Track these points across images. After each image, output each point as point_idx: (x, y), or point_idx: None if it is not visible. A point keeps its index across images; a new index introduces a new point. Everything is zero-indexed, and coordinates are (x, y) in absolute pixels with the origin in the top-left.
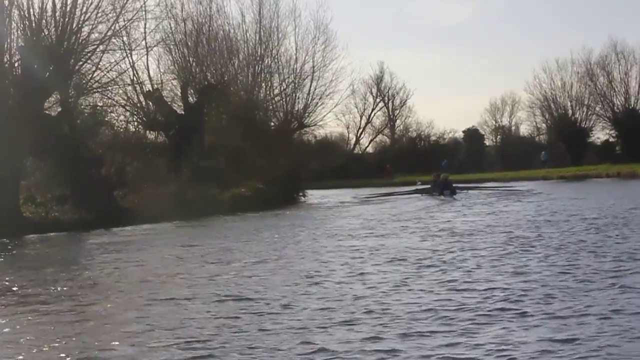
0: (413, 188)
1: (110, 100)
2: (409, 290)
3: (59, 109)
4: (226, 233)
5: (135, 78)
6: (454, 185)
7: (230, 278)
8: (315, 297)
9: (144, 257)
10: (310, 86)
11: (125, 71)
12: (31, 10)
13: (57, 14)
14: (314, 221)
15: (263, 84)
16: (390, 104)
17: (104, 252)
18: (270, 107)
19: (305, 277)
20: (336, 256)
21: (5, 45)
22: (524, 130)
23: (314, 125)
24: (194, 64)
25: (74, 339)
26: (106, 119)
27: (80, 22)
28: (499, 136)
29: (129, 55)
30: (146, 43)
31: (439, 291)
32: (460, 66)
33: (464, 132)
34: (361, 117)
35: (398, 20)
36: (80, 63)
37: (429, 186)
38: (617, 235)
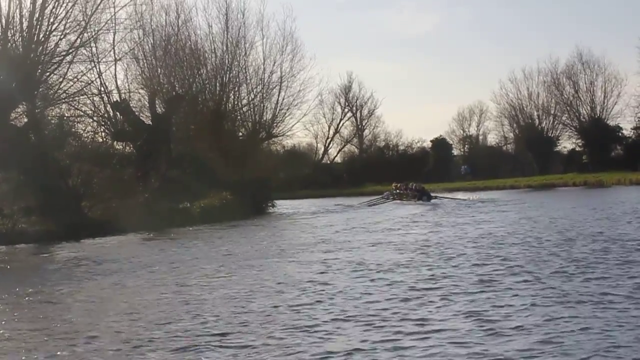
0: (382, 196)
1: (77, 111)
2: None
3: (26, 120)
4: (188, 247)
5: (102, 88)
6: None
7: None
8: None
9: (99, 277)
10: (279, 96)
11: (92, 81)
12: None
13: (24, 24)
14: (280, 233)
15: (231, 94)
16: (358, 113)
17: (59, 269)
18: (239, 117)
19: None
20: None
21: None
22: (492, 139)
23: (282, 135)
24: (161, 75)
25: None
26: (73, 130)
27: (48, 33)
28: (466, 145)
29: (96, 65)
30: (114, 54)
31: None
32: (428, 76)
33: (431, 141)
34: (329, 127)
35: (366, 30)
36: (48, 73)
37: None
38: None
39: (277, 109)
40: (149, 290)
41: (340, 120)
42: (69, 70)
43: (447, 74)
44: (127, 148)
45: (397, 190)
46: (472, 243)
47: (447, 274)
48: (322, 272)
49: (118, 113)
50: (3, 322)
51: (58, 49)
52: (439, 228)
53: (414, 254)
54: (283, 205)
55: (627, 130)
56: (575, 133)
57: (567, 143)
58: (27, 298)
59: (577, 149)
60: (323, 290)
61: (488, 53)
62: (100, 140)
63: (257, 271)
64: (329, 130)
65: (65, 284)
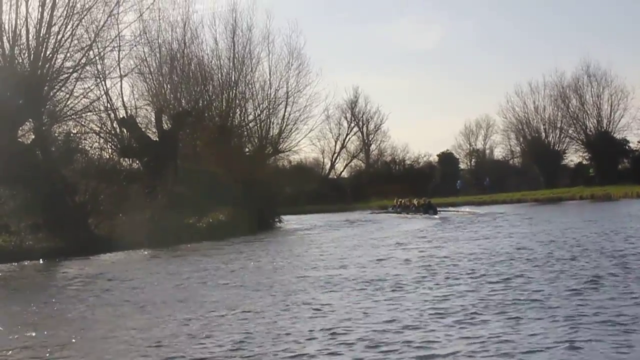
0: (386, 210)
1: (84, 127)
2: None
3: (33, 137)
4: (194, 264)
5: (109, 105)
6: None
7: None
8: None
9: (105, 296)
10: (285, 111)
11: (99, 98)
12: (4, 37)
13: (31, 41)
14: (287, 250)
15: (237, 110)
16: (364, 128)
17: (64, 287)
18: (245, 132)
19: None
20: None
21: None
22: (499, 153)
23: (289, 150)
24: (168, 91)
25: None
26: (80, 146)
27: (54, 50)
28: (473, 159)
29: (103, 82)
30: (120, 70)
31: None
32: (433, 89)
33: (438, 155)
34: (336, 142)
35: (371, 45)
36: (54, 90)
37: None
38: None
39: (284, 125)
40: (152, 310)
41: (347, 135)
42: (76, 87)
43: (453, 88)
44: (134, 164)
45: (402, 205)
46: (478, 259)
47: (459, 294)
48: (333, 291)
49: (125, 129)
50: (5, 341)
51: (64, 65)
52: (446, 243)
53: (424, 271)
54: (290, 221)
55: (634, 143)
56: (582, 146)
57: (574, 156)
58: (30, 316)
59: (583, 162)
60: (335, 312)
61: (493, 66)
62: (107, 156)
63: (264, 291)
64: (335, 145)
65: (70, 302)
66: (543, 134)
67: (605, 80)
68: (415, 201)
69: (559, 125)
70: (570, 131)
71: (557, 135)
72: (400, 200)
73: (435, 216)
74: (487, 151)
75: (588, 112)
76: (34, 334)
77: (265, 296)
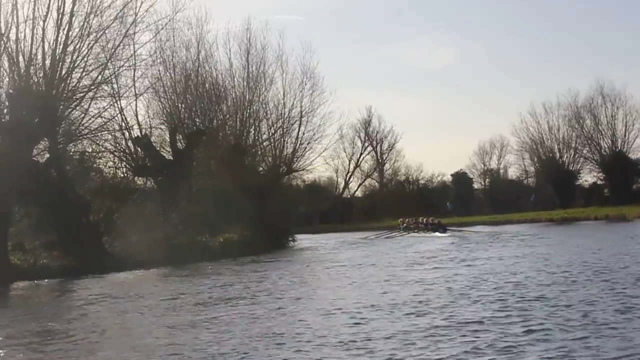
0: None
1: (99, 147)
2: None
3: (48, 156)
4: (205, 284)
5: (124, 124)
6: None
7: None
8: None
9: (116, 316)
10: (299, 131)
11: (114, 117)
12: (20, 57)
13: (47, 61)
14: (300, 269)
15: (251, 129)
16: (378, 147)
17: (76, 307)
18: (259, 152)
19: None
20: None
21: None
22: (513, 173)
23: (303, 170)
24: (182, 110)
25: None
26: (95, 165)
27: (70, 70)
28: (487, 179)
29: (118, 101)
30: (135, 89)
31: None
32: (447, 109)
33: (452, 175)
34: (350, 162)
35: (384, 64)
36: (69, 109)
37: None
38: None
39: (298, 144)
40: (161, 331)
41: (361, 154)
42: (91, 106)
43: (466, 108)
44: (148, 183)
45: (407, 225)
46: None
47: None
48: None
49: (139, 148)
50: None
51: (80, 85)
52: (459, 264)
53: (434, 293)
54: (303, 240)
55: None
56: (597, 166)
57: (589, 176)
58: (44, 334)
59: (598, 183)
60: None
61: (507, 86)
62: (122, 175)
63: (274, 312)
64: (349, 165)
65: (83, 322)
66: (557, 154)
67: (620, 100)
68: (423, 220)
69: (573, 145)
70: (584, 151)
71: (572, 155)
72: (406, 219)
73: (445, 234)
74: (501, 171)
75: (602, 132)
76: (46, 354)
77: (271, 320)
